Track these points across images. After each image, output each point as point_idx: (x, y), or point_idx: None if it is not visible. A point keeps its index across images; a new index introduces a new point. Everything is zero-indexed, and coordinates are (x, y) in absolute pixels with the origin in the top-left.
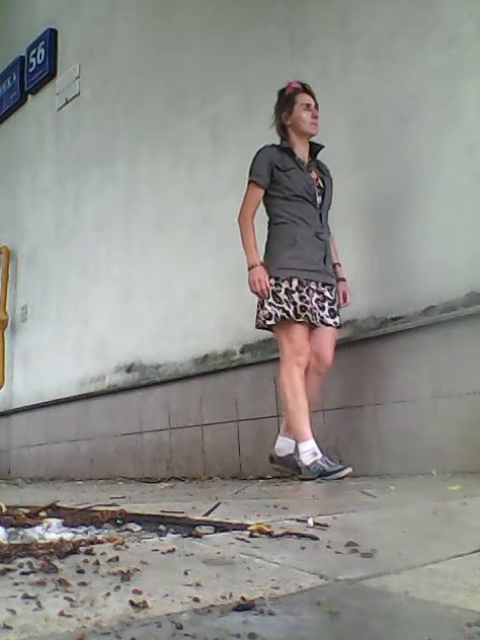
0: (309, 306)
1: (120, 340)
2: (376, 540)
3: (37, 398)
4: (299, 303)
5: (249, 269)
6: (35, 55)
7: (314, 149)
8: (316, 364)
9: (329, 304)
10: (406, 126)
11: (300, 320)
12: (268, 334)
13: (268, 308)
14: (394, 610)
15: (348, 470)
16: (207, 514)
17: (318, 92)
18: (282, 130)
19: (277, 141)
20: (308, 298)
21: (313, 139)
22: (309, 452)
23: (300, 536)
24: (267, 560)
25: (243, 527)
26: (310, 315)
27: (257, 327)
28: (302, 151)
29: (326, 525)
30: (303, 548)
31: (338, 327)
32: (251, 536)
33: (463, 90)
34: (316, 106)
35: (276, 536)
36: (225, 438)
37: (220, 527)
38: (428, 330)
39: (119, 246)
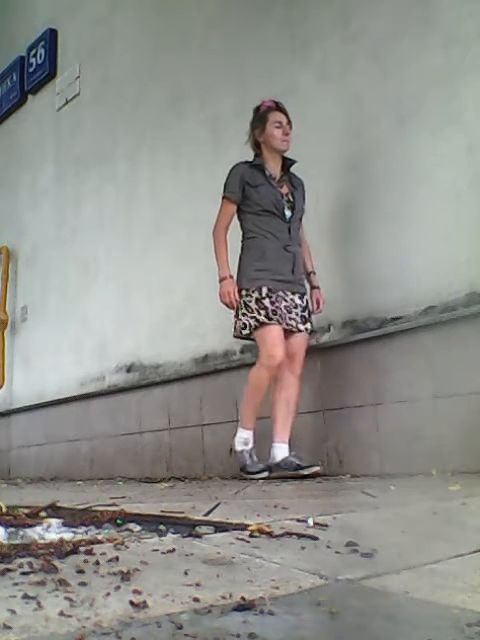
0: (279, 311)
1: (120, 340)
2: (376, 540)
3: (37, 398)
4: (270, 308)
5: (220, 281)
6: (35, 55)
7: (287, 164)
8: (289, 363)
9: (301, 311)
10: (406, 126)
11: (272, 322)
12: None
13: (242, 319)
14: (394, 610)
15: (264, 474)
16: (207, 514)
17: (318, 92)
18: (255, 146)
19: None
20: (278, 304)
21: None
22: (242, 440)
23: (300, 536)
24: (267, 560)
25: (243, 527)
26: (280, 319)
27: (234, 336)
28: (273, 166)
29: (326, 525)
30: (303, 548)
31: (310, 333)
32: (251, 536)
33: (463, 90)
34: (288, 123)
35: (276, 536)
36: (225, 438)
37: (220, 527)
38: (428, 330)
39: (119, 246)
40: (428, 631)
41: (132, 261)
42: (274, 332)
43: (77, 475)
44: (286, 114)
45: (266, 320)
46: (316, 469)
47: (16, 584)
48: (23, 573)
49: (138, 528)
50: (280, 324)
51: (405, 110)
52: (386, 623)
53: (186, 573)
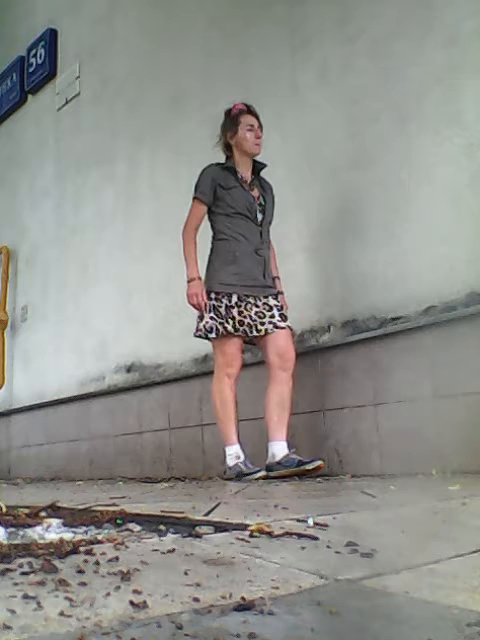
0: (247, 321)
1: (120, 340)
2: (376, 540)
3: (37, 398)
4: (237, 318)
5: (188, 282)
6: (35, 55)
7: (257, 167)
8: (279, 361)
9: (278, 310)
10: (406, 126)
11: (237, 334)
12: None
13: (210, 322)
14: (394, 610)
15: (261, 473)
16: (207, 514)
17: (318, 92)
18: (226, 149)
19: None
20: (246, 313)
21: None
22: (233, 456)
23: (300, 536)
24: (267, 560)
25: (243, 527)
26: (247, 329)
27: (195, 336)
28: (245, 170)
29: (326, 525)
30: (303, 548)
31: (292, 330)
32: (251, 536)
33: (463, 90)
34: (260, 127)
35: (276, 536)
36: None
37: (220, 527)
38: (428, 330)
39: (119, 246)
40: (428, 631)
41: (132, 261)
42: (235, 346)
43: (77, 475)
44: (257, 117)
45: (232, 331)
46: (319, 463)
47: (16, 584)
48: (23, 573)
49: (138, 528)
50: (243, 336)
51: (405, 110)
52: (386, 623)
53: (186, 573)
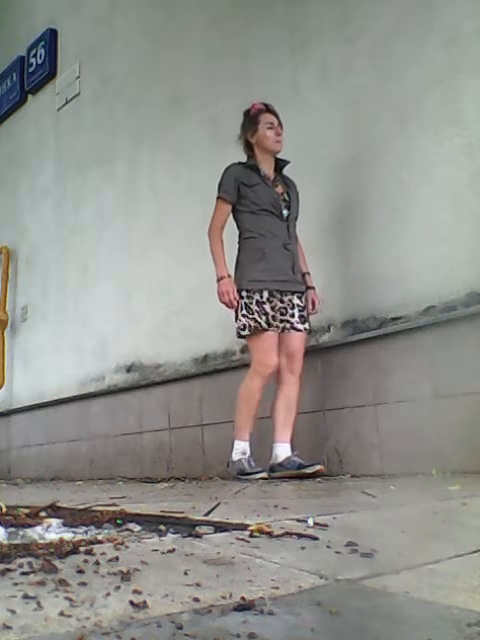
0: (278, 317)
1: (120, 340)
2: (376, 540)
3: (37, 398)
4: (270, 313)
5: (218, 281)
6: (35, 55)
7: (279, 165)
8: (287, 363)
9: (299, 310)
10: (406, 126)
11: (271, 329)
12: None
13: (242, 319)
14: (394, 610)
15: (261, 474)
16: (207, 514)
17: (318, 92)
18: (248, 148)
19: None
20: (279, 306)
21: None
22: (239, 451)
23: (300, 536)
24: (267, 560)
25: (243, 527)
26: (279, 325)
27: (238, 338)
28: (267, 167)
29: (326, 525)
30: (303, 548)
31: (308, 333)
32: (251, 536)
33: (463, 90)
34: (280, 124)
35: (276, 536)
36: (225, 438)
37: (220, 527)
38: (428, 330)
39: (119, 246)
40: (428, 631)
41: (132, 261)
42: (270, 340)
43: (77, 475)
44: (277, 115)
45: (265, 326)
46: (318, 468)
47: (16, 584)
48: (23, 573)
49: (138, 528)
50: (277, 331)
51: (405, 110)
52: (386, 623)
53: (186, 573)
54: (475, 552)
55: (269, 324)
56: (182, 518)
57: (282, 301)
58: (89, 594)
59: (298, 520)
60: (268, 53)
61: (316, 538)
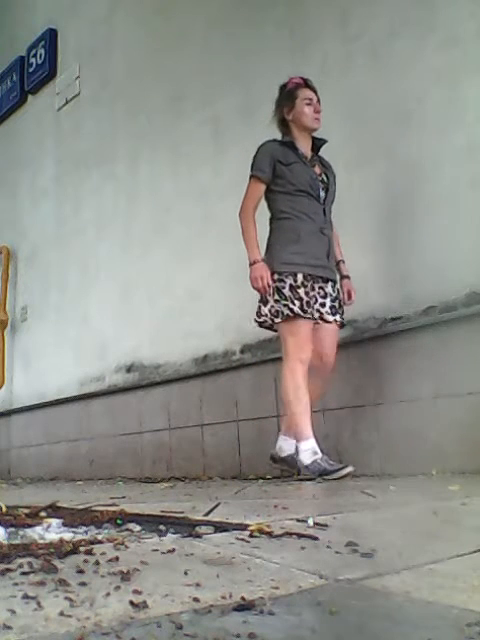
0: (312, 302)
1: (120, 340)
2: (376, 540)
3: (37, 398)
4: (305, 299)
5: (251, 265)
6: (35, 55)
7: (316, 144)
8: (319, 365)
9: (331, 300)
10: (406, 126)
11: (306, 316)
12: (268, 334)
13: (275, 305)
14: (394, 610)
15: (349, 469)
16: (207, 514)
17: (318, 92)
18: (283, 125)
19: (278, 137)
20: (312, 293)
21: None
22: (309, 451)
23: (300, 536)
24: (267, 560)
25: (243, 527)
26: (313, 312)
27: (260, 326)
28: (304, 146)
29: (326, 525)
30: (303, 548)
31: (341, 325)
32: (251, 536)
33: (463, 90)
34: (318, 101)
35: (276, 536)
36: (225, 438)
37: (220, 527)
38: (428, 330)
39: (119, 246)
40: (428, 631)
41: (132, 261)
42: (306, 327)
43: (77, 475)
44: (315, 91)
45: (300, 312)
46: (351, 469)
47: (16, 584)
48: (23, 573)
49: (138, 528)
50: (312, 318)
51: (405, 110)
52: (386, 623)
53: (186, 573)
54: (475, 552)
55: (304, 310)
56: (182, 518)
57: (313, 288)
58: (89, 594)
59: (298, 520)
60: (268, 53)
61: (316, 538)
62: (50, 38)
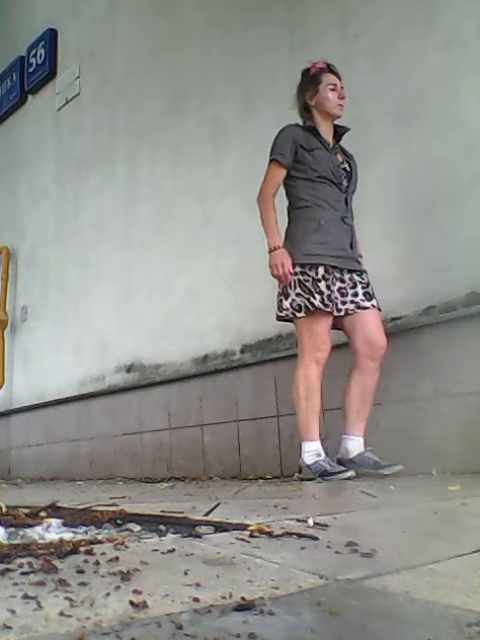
0: (333, 297)
1: (120, 340)
2: (376, 540)
3: (37, 398)
4: (326, 292)
5: (270, 251)
6: (35, 55)
7: (339, 132)
8: (368, 349)
9: (363, 287)
10: (406, 126)
11: (328, 310)
12: (268, 334)
13: (297, 299)
14: (394, 610)
15: (349, 473)
16: (207, 514)
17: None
18: (305, 111)
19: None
20: (332, 287)
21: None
22: (313, 453)
23: (300, 536)
24: (267, 560)
25: (243, 527)
26: (340, 306)
27: (279, 319)
28: (327, 133)
29: (326, 525)
30: (303, 548)
31: (379, 310)
32: (251, 536)
33: (464, 90)
34: (342, 88)
35: (276, 536)
36: (225, 438)
37: (220, 527)
38: (428, 330)
39: (119, 246)
40: (428, 631)
41: (132, 261)
42: (325, 325)
43: (77, 475)
44: (339, 77)
45: (322, 306)
46: (398, 469)
47: (16, 584)
48: (23, 573)
49: (138, 528)
50: (332, 313)
51: (405, 110)
52: (386, 623)
53: (186, 573)
54: (475, 552)
55: (325, 305)
56: (182, 518)
57: (342, 280)
58: (89, 594)
59: (298, 520)
60: (268, 53)
61: (316, 538)
62: (50, 38)
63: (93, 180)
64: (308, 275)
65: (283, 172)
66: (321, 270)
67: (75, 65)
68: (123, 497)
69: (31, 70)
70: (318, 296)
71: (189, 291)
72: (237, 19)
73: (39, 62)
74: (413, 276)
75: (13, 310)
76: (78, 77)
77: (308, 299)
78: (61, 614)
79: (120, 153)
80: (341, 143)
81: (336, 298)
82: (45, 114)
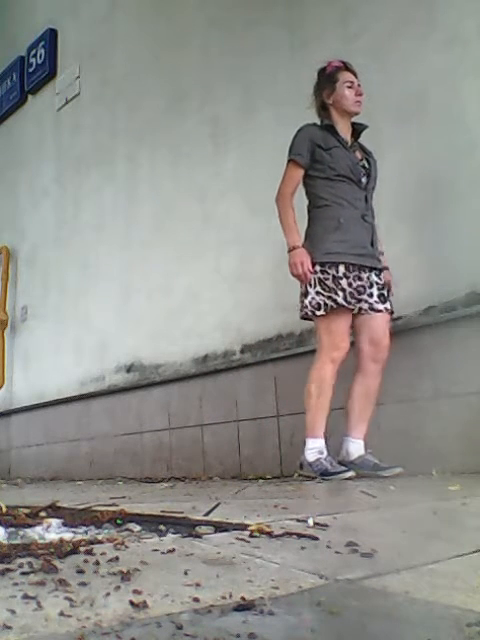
0: (354, 294)
1: (120, 340)
2: (376, 540)
3: (37, 398)
4: (347, 290)
5: (289, 251)
6: (35, 55)
7: (357, 129)
8: (371, 351)
9: (378, 289)
10: (406, 126)
11: (350, 307)
12: (268, 334)
13: (317, 298)
14: (394, 610)
15: (350, 474)
16: (207, 514)
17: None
18: (322, 109)
19: (279, 134)
20: (354, 284)
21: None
22: (315, 450)
23: (300, 536)
24: (267, 560)
25: (243, 527)
26: (357, 305)
27: (302, 317)
28: (344, 131)
29: (326, 525)
30: (303, 548)
31: (391, 313)
32: (251, 536)
33: (464, 89)
34: (359, 85)
35: (276, 536)
36: (225, 438)
37: (220, 527)
38: (428, 330)
39: (119, 246)
40: (428, 631)
41: (132, 261)
42: (345, 323)
43: (77, 475)
44: (356, 74)
45: (345, 303)
46: (398, 471)
47: (16, 584)
48: (23, 573)
49: (138, 528)
50: (353, 311)
51: (406, 110)
52: (386, 623)
53: (186, 573)
54: (475, 552)
55: (348, 301)
56: (182, 518)
57: (360, 278)
58: (89, 594)
59: (298, 520)
60: (268, 53)
61: (316, 538)
62: (50, 38)
63: (93, 180)
64: (328, 273)
65: (301, 172)
66: (342, 268)
67: (75, 65)
68: (123, 497)
69: (31, 70)
70: (341, 293)
71: (189, 291)
72: (237, 19)
73: (39, 62)
74: (413, 276)
75: (13, 310)
76: (78, 77)
77: (329, 296)
78: (61, 614)
79: (120, 153)
80: (360, 140)
81: (357, 296)
82: (45, 114)
